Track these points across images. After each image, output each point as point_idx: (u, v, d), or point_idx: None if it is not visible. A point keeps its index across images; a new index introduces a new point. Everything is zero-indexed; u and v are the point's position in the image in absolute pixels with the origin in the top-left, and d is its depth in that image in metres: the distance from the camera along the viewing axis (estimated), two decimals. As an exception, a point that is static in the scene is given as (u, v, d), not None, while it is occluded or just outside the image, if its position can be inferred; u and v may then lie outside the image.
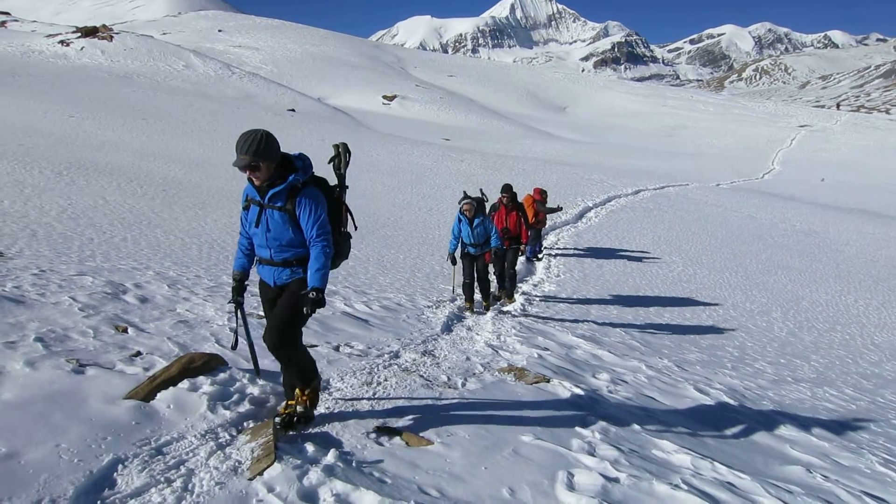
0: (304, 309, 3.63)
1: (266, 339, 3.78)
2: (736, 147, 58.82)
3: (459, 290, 9.05)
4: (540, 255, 13.63)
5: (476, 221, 8.66)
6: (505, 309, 9.12)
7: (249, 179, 3.73)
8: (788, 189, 35.06)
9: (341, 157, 4.03)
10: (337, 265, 4.00)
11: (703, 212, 23.38)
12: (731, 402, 6.02)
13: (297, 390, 3.93)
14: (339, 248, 3.95)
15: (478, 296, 9.03)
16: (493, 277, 9.75)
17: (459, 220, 8.73)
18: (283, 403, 4.04)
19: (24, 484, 2.92)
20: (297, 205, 3.69)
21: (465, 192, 8.89)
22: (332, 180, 4.06)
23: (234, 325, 4.08)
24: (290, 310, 3.75)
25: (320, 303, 3.65)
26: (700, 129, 70.25)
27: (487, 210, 9.48)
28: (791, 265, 16.39)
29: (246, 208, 3.86)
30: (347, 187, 4.09)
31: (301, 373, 3.91)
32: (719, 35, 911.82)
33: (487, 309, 8.86)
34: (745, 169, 43.85)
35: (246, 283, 4.02)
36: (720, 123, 73.74)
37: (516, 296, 9.98)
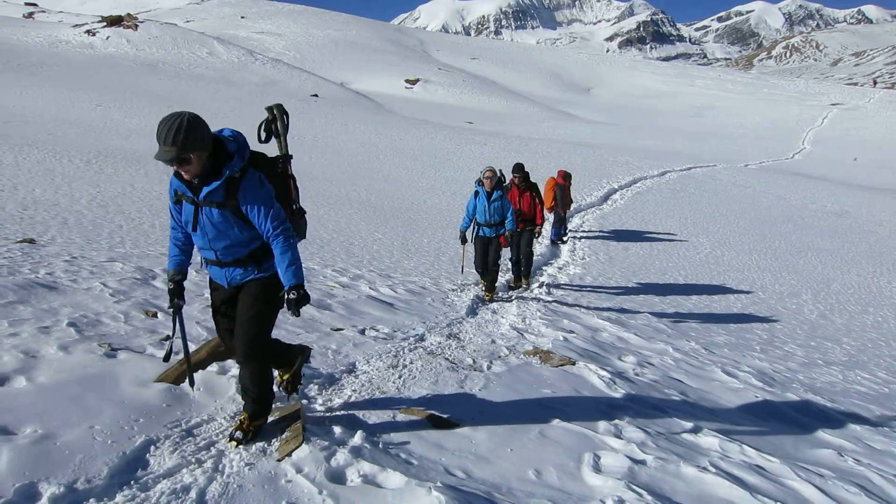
0: (291, 312, 3.16)
1: (236, 353, 3.40)
2: (765, 126, 57.60)
3: (468, 269, 8.77)
4: (565, 238, 13.55)
5: (494, 195, 8.26)
6: (522, 294, 8.98)
7: (177, 174, 3.11)
8: (819, 169, 34.30)
9: (277, 119, 3.46)
10: None
11: (730, 193, 22.98)
12: (760, 384, 5.95)
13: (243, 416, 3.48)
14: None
15: (503, 279, 8.91)
16: (509, 264, 9.65)
17: (476, 195, 8.33)
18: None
19: (60, 465, 2.99)
20: (242, 199, 3.11)
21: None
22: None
23: (171, 332, 3.48)
24: (254, 317, 3.30)
25: (305, 300, 3.17)
26: (728, 108, 68.93)
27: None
28: (822, 246, 16.06)
29: (177, 202, 3.23)
30: (292, 157, 3.53)
31: (280, 365, 3.79)
32: (748, 12, 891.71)
33: (491, 300, 8.31)
34: (774, 149, 43.00)
35: (184, 282, 3.47)
36: (749, 103, 72.27)
37: (533, 278, 9.84)
